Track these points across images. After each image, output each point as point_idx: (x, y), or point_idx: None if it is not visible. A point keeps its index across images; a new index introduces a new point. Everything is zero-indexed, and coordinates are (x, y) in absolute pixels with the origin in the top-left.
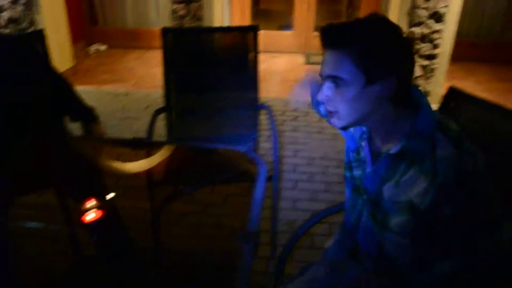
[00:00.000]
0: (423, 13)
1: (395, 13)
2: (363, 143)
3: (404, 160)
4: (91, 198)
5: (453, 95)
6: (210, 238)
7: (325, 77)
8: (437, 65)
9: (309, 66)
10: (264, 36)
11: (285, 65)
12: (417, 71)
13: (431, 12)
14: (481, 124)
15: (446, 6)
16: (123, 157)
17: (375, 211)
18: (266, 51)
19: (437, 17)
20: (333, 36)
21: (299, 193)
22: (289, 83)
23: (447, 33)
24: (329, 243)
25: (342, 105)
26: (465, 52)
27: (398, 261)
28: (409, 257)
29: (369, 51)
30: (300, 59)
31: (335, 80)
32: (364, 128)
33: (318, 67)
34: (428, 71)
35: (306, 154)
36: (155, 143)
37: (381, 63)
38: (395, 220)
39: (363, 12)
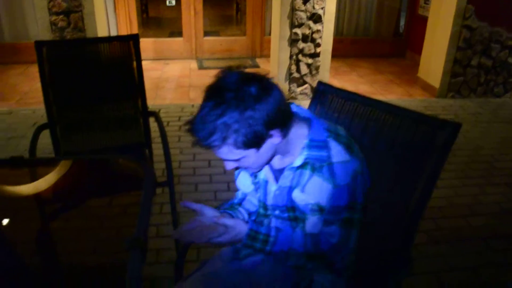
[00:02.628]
0: (302, 15)
1: (277, 17)
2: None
3: (306, 168)
4: None
5: (322, 89)
6: (112, 251)
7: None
8: (320, 63)
9: (202, 71)
10: (155, 43)
11: (179, 71)
12: (303, 69)
13: (309, 14)
14: (346, 112)
15: (322, 8)
16: (2, 178)
17: (294, 214)
18: (158, 59)
19: (316, 18)
20: (203, 144)
21: (201, 195)
22: (184, 89)
23: (326, 33)
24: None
25: (248, 165)
26: (347, 49)
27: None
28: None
29: (242, 136)
30: (193, 64)
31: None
32: None
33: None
34: (313, 69)
35: (205, 157)
36: (39, 160)
37: (258, 135)
38: (313, 218)
39: (249, 17)
